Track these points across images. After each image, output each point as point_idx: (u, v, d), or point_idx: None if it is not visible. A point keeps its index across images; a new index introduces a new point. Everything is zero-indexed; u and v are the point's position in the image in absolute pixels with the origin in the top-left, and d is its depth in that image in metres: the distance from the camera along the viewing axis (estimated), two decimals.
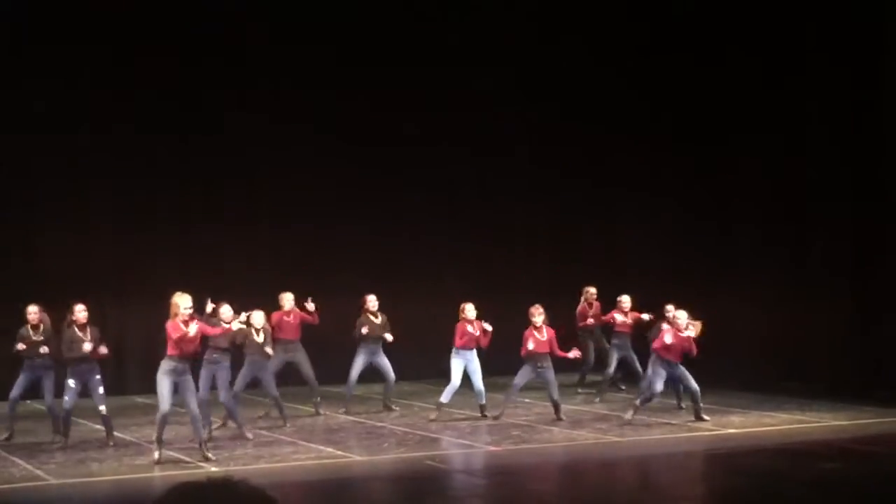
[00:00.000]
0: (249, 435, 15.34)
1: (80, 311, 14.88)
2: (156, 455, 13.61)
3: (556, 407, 16.88)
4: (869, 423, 16.23)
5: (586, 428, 16.14)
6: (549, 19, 22.42)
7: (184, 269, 19.39)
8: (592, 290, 19.91)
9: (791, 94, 20.37)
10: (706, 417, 16.40)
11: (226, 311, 15.41)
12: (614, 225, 23.10)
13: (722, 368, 20.31)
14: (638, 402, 16.43)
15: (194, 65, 20.47)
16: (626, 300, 19.06)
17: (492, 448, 14.78)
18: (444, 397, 17.08)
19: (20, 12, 19.59)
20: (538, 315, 16.80)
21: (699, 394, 16.37)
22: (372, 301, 17.89)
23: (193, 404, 13.68)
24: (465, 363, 17.14)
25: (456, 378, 17.06)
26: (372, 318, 17.78)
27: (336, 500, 12.50)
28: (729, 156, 21.52)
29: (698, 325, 16.45)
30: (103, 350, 14.92)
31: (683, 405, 17.38)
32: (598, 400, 18.83)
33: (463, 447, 14.93)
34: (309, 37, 21.14)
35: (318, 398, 17.90)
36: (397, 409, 18.18)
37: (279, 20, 21.00)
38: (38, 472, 13.39)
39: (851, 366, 19.10)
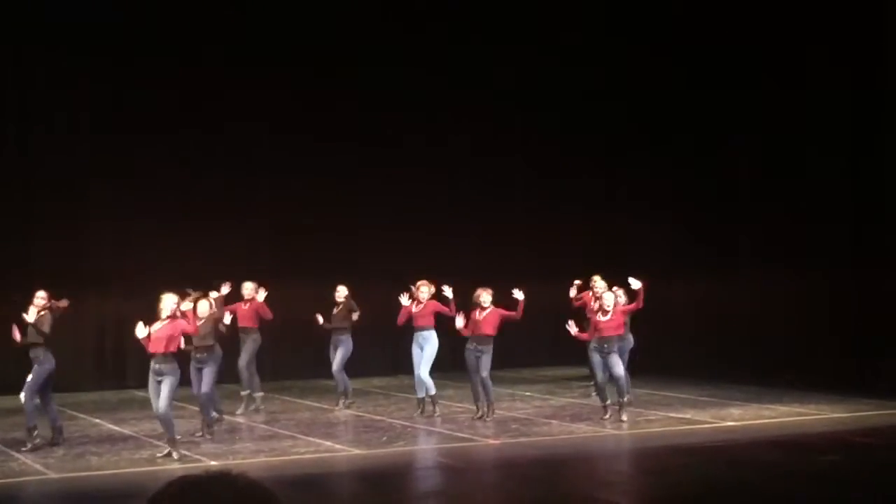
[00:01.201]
0: (208, 435, 15.12)
1: (38, 298, 14.53)
2: (174, 455, 13.57)
3: (486, 391, 16.34)
4: (868, 415, 16.24)
5: (585, 421, 16.14)
6: (546, 20, 22.40)
7: (184, 263, 19.41)
8: (598, 278, 18.09)
9: (792, 87, 20.43)
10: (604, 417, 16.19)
11: (201, 306, 15.33)
12: (612, 214, 23.08)
13: (720, 360, 20.38)
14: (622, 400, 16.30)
15: (194, 63, 20.48)
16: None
17: (490, 441, 14.80)
18: (417, 391, 17.03)
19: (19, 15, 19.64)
20: (486, 294, 16.30)
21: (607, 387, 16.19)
22: (338, 292, 17.88)
23: (156, 404, 13.54)
24: (418, 347, 16.88)
25: (416, 366, 16.94)
26: (335, 308, 17.83)
27: (334, 494, 12.52)
28: (729, 147, 21.57)
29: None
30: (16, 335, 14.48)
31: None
32: (594, 394, 18.79)
33: (461, 440, 14.93)
34: (309, 38, 21.14)
35: (248, 392, 17.53)
36: (343, 405, 17.90)
37: (276, 17, 20.99)
38: (38, 466, 13.41)
39: (851, 358, 19.12)
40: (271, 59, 20.92)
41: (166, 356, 13.45)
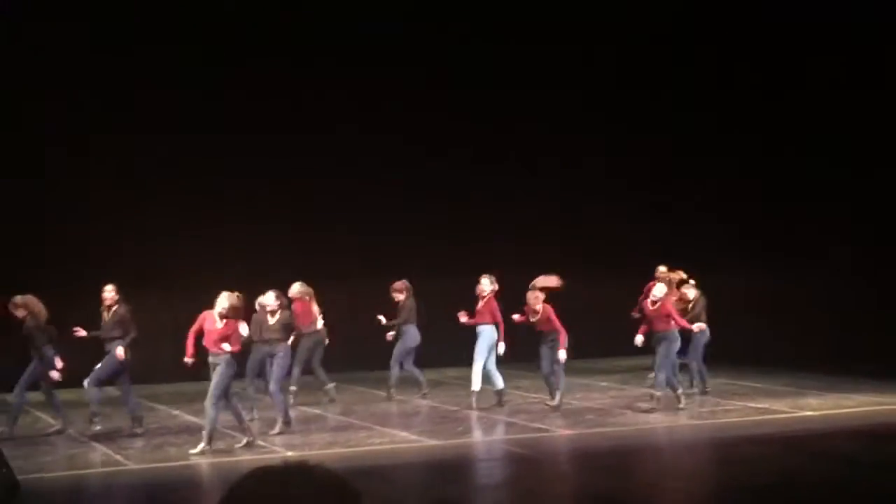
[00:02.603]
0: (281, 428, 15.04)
1: (107, 292, 15.03)
2: (199, 447, 13.70)
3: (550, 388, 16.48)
4: None
5: (660, 411, 16.02)
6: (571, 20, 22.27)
7: (258, 259, 19.60)
8: (664, 269, 18.04)
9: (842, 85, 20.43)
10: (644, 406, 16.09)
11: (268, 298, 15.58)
12: (681, 204, 22.91)
13: (797, 349, 20.19)
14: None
15: (216, 64, 20.56)
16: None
17: (565, 432, 14.77)
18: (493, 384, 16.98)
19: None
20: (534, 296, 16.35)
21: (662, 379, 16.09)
22: (395, 291, 17.99)
23: (207, 400, 13.77)
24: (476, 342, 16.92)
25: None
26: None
27: (409, 485, 12.56)
28: (794, 142, 21.45)
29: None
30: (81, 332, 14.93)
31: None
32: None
33: (536, 431, 14.92)
34: (350, 39, 21.14)
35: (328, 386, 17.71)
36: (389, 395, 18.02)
37: (303, 21, 21.00)
38: (118, 457, 13.60)
39: None
40: (317, 58, 20.92)
41: (216, 354, 13.67)
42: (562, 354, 16.01)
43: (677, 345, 16.19)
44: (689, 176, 22.62)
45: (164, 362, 19.59)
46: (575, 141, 22.42)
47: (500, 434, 15.31)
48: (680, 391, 16.13)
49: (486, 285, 16.89)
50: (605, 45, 22.22)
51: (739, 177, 22.19)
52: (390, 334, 17.93)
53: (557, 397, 16.32)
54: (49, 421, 15.79)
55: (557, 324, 16.08)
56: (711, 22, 22.17)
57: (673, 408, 16.00)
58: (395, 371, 17.90)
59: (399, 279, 18.13)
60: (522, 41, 21.86)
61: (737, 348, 19.98)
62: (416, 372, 17.99)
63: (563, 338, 16.03)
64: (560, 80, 22.16)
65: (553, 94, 22.17)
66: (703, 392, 17.30)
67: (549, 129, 22.27)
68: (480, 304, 16.88)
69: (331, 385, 17.67)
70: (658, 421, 15.42)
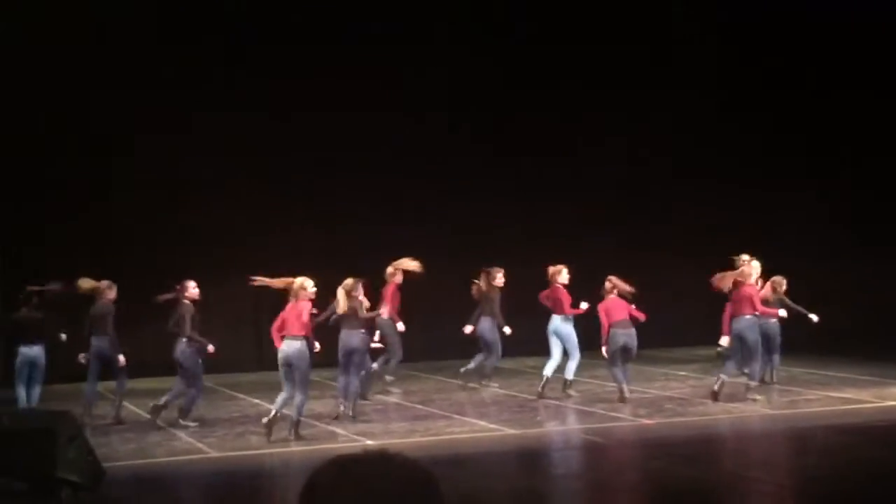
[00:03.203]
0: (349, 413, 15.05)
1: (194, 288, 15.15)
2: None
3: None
4: None
5: (741, 401, 15.83)
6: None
7: (341, 248, 19.73)
8: (747, 257, 16.58)
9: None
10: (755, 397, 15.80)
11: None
12: (771, 193, 22.68)
13: (880, 339, 19.94)
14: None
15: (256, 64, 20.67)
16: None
17: (645, 421, 14.69)
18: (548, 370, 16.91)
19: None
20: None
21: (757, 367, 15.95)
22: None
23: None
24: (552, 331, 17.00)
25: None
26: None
27: (488, 474, 12.56)
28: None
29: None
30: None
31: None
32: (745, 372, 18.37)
33: (616, 420, 14.86)
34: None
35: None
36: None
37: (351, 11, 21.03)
38: (200, 445, 13.74)
39: None
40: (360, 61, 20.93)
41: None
42: (603, 350, 16.03)
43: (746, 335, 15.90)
44: (775, 164, 22.43)
45: (246, 352, 19.81)
46: (666, 125, 22.33)
47: (578, 423, 15.26)
48: (722, 381, 15.88)
49: (564, 274, 17.05)
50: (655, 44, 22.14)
51: (824, 165, 21.97)
52: (468, 327, 17.87)
53: (623, 390, 16.16)
54: (131, 409, 15.99)
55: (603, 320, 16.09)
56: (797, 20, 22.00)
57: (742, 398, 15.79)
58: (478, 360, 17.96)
59: (479, 269, 18.11)
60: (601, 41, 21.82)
61: (819, 337, 19.74)
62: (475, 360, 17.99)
63: (603, 334, 16.02)
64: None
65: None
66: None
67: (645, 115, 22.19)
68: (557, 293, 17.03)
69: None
70: (739, 410, 15.26)
